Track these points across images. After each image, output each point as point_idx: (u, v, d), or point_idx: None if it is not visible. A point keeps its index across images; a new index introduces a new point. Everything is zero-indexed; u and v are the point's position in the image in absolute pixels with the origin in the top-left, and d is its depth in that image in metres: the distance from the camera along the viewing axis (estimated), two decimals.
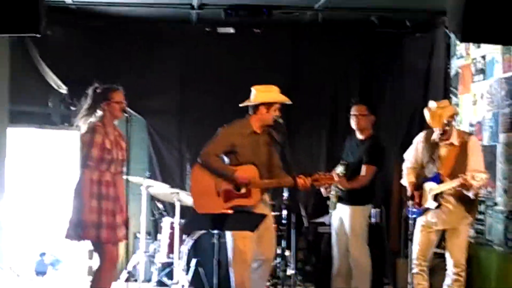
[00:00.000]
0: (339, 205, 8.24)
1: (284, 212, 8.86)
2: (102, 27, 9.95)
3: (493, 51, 8.25)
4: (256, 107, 7.27)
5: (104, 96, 6.91)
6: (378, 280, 8.76)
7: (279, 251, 8.94)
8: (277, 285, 8.84)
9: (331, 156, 10.04)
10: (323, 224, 9.07)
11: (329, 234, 8.63)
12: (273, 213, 8.82)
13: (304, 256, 9.64)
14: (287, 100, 7.38)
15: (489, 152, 8.25)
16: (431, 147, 7.41)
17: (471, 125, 8.81)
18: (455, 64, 9.38)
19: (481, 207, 8.45)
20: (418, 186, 7.38)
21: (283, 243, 8.97)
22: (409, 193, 7.39)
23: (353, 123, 8.32)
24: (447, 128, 7.24)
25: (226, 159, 7.23)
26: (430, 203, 7.28)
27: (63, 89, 9.76)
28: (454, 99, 9.33)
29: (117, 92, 6.97)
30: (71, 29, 9.86)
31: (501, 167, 8.00)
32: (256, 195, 7.09)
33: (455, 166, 7.23)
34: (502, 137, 8.01)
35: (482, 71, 8.57)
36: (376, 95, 10.31)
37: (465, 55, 9.06)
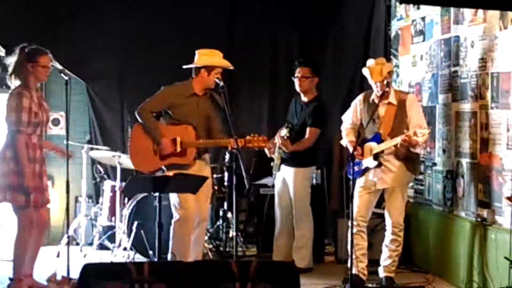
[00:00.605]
0: (282, 166, 8.25)
1: (226, 174, 8.89)
2: None
3: (432, 12, 8.30)
4: (198, 70, 7.40)
5: (30, 57, 6.86)
6: (319, 240, 8.83)
7: (221, 213, 8.99)
8: (219, 247, 8.89)
9: (273, 119, 10.08)
10: (265, 186, 9.10)
11: (272, 195, 8.67)
12: (215, 176, 8.89)
13: (246, 218, 9.67)
14: (229, 65, 7.50)
15: (428, 113, 8.34)
16: (370, 107, 7.46)
17: (411, 86, 8.89)
18: (395, 26, 9.43)
19: (421, 167, 8.55)
20: (359, 146, 7.42)
21: (225, 205, 9.01)
22: (350, 150, 7.42)
23: (296, 85, 8.30)
24: (386, 87, 7.28)
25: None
26: (370, 162, 7.33)
27: (2, 52, 9.59)
28: (394, 60, 9.40)
29: (44, 56, 6.94)
30: None
31: (440, 127, 8.10)
32: (191, 154, 7.31)
33: (395, 124, 7.29)
34: (441, 98, 8.10)
35: (421, 32, 8.63)
36: (317, 57, 10.30)
37: (405, 16, 9.12)
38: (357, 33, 10.14)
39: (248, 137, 7.23)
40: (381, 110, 7.37)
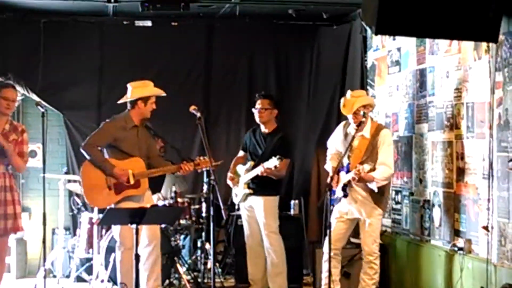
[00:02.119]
0: (250, 197, 8.32)
1: (204, 205, 8.89)
2: (16, 20, 9.77)
3: (407, 43, 8.37)
4: (134, 102, 7.60)
5: None
6: (298, 270, 8.84)
7: (199, 244, 8.96)
8: (197, 278, 8.84)
9: None
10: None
11: None
12: (192, 207, 8.90)
13: (224, 248, 9.66)
14: (162, 93, 7.71)
15: (405, 142, 8.39)
16: (346, 137, 7.53)
17: (387, 116, 8.94)
18: (371, 56, 9.49)
19: (398, 197, 8.59)
20: (336, 174, 7.50)
21: (203, 236, 8.99)
22: (329, 177, 7.47)
23: (256, 117, 8.41)
24: (360, 118, 7.33)
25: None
26: (338, 192, 7.44)
27: None
28: (370, 91, 9.45)
29: (7, 89, 7.11)
30: None
31: (416, 157, 8.14)
32: (144, 184, 7.53)
33: (365, 157, 7.35)
34: (417, 127, 8.14)
35: (397, 63, 8.69)
36: (293, 86, 10.37)
37: (381, 47, 9.18)
38: (334, 63, 10.20)
39: (197, 159, 7.54)
40: (355, 141, 7.43)
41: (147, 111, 7.60)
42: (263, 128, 8.46)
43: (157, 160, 7.78)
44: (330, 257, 7.12)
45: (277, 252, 8.34)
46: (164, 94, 7.71)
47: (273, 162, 7.89)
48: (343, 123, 7.73)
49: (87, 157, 7.50)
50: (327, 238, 7.48)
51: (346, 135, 7.58)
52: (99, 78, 10.09)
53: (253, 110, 8.44)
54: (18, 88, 9.08)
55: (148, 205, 7.03)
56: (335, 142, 7.78)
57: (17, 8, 9.56)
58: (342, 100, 7.53)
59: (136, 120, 7.61)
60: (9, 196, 6.89)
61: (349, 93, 7.57)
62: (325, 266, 7.57)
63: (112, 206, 7.43)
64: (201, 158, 7.56)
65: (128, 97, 7.62)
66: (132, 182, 7.43)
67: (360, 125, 7.33)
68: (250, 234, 8.50)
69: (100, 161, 7.46)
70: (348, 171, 7.37)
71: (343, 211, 7.53)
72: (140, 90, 7.61)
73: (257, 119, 8.42)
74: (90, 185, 7.49)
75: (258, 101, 8.41)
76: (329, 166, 7.77)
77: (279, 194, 8.49)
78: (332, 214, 7.46)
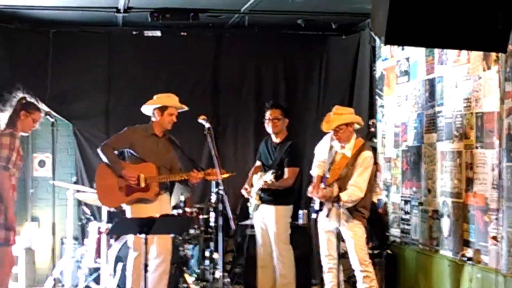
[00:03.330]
0: (262, 206, 8.31)
1: (212, 215, 8.87)
2: (26, 30, 9.80)
3: (416, 53, 8.37)
4: (153, 112, 7.88)
5: (26, 107, 7.12)
6: (305, 281, 8.82)
7: (207, 254, 8.95)
8: None
9: None
10: (251, 226, 9.07)
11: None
12: (201, 217, 8.89)
13: (232, 258, 9.64)
14: (182, 107, 7.90)
15: (414, 152, 8.39)
16: (331, 149, 7.57)
17: (396, 126, 8.93)
18: (380, 66, 9.49)
19: (407, 207, 8.58)
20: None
21: (211, 246, 8.98)
22: (311, 185, 7.56)
23: (268, 127, 8.43)
24: (341, 136, 7.39)
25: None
26: (317, 205, 7.49)
27: None
28: (379, 101, 9.45)
29: (39, 112, 7.27)
30: None
31: (425, 167, 8.12)
32: (154, 189, 7.69)
33: (342, 175, 7.37)
34: (426, 137, 8.14)
35: (406, 72, 8.69)
36: (301, 97, 10.37)
37: (390, 57, 9.18)
38: (343, 73, 10.21)
39: (208, 170, 7.75)
40: (338, 156, 7.49)
41: (165, 122, 7.81)
42: (274, 138, 8.48)
43: (177, 173, 7.92)
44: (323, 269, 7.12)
45: (286, 263, 8.34)
46: (185, 109, 7.91)
47: (268, 177, 7.91)
48: (330, 133, 7.68)
49: (102, 157, 7.76)
50: (322, 250, 7.54)
51: (331, 147, 7.58)
52: (108, 88, 10.11)
53: (263, 120, 8.43)
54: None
55: (160, 213, 7.09)
56: (322, 151, 7.75)
57: (27, 19, 9.60)
58: (326, 115, 7.53)
59: (158, 130, 7.85)
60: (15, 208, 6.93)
61: (335, 108, 7.57)
62: (326, 277, 7.59)
63: (124, 205, 7.75)
64: (213, 169, 7.69)
65: (144, 106, 7.91)
66: (142, 185, 7.64)
67: (339, 140, 7.41)
68: (263, 244, 8.50)
69: (112, 161, 7.71)
70: (325, 185, 7.39)
71: (324, 223, 7.54)
72: (157, 100, 7.86)
73: (270, 130, 8.42)
74: (102, 185, 7.79)
75: (269, 111, 8.43)
76: (314, 172, 7.76)
77: (291, 203, 8.46)
78: (319, 226, 7.60)
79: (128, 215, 7.73)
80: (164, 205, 7.81)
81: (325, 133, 8.14)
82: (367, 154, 7.42)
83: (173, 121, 7.81)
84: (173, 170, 7.87)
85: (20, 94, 7.16)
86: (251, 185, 8.51)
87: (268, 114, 8.45)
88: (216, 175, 7.67)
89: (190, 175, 7.70)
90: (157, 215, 6.95)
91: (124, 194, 7.69)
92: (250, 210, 8.52)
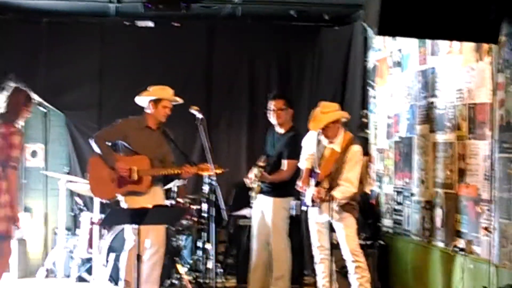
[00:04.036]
0: (261, 196, 8.26)
1: (205, 206, 8.87)
2: (18, 20, 9.78)
3: (408, 44, 8.37)
4: (148, 104, 7.84)
5: (28, 100, 7.15)
6: (298, 271, 8.83)
7: (199, 244, 8.96)
8: (197, 278, 8.84)
9: (252, 148, 10.09)
10: (244, 217, 9.10)
11: (250, 226, 8.66)
12: (193, 207, 8.88)
13: (225, 249, 9.65)
14: (176, 100, 7.85)
15: (406, 144, 8.40)
16: (319, 143, 7.57)
17: (389, 117, 8.94)
18: (373, 57, 9.50)
19: (399, 198, 8.60)
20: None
21: (204, 236, 8.98)
22: (301, 178, 7.59)
23: (272, 118, 8.34)
24: (330, 133, 7.40)
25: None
26: (308, 199, 7.48)
27: None
28: (372, 92, 9.46)
29: (33, 102, 7.27)
30: None
31: (418, 158, 8.14)
32: (146, 181, 7.67)
33: (333, 170, 7.38)
34: (418, 128, 8.14)
35: (398, 63, 8.70)
36: (294, 88, 10.36)
37: (382, 48, 9.19)
38: (335, 64, 10.21)
39: (200, 164, 7.71)
40: (327, 151, 7.48)
41: (160, 114, 7.78)
42: (278, 129, 8.38)
43: (170, 166, 7.87)
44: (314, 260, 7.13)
45: (282, 256, 8.28)
46: (180, 101, 7.87)
47: (253, 171, 7.89)
48: None
49: (94, 148, 7.73)
50: (313, 241, 7.55)
51: (319, 142, 7.57)
52: (101, 79, 10.09)
53: (267, 111, 8.36)
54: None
55: (150, 205, 7.04)
56: (310, 144, 7.72)
57: (19, 9, 9.57)
58: (312, 113, 7.53)
59: (151, 122, 7.83)
60: (8, 198, 6.90)
61: (320, 106, 7.54)
62: (318, 268, 7.62)
63: (118, 196, 7.72)
64: (206, 164, 7.67)
65: (138, 98, 7.87)
66: (135, 178, 7.63)
67: (327, 137, 7.42)
68: (258, 235, 8.41)
69: (105, 153, 7.70)
70: (316, 180, 7.41)
71: (315, 214, 7.56)
72: (151, 92, 7.85)
73: (273, 121, 8.32)
74: (95, 177, 7.77)
75: (273, 102, 8.30)
76: (303, 165, 7.74)
77: (290, 195, 8.35)
78: (309, 217, 7.63)
79: (123, 205, 7.72)
80: (157, 197, 7.77)
81: None
82: (356, 148, 7.42)
83: (167, 113, 7.79)
84: (165, 163, 7.82)
85: (12, 85, 7.14)
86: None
87: (271, 104, 8.34)
88: (209, 170, 7.66)
89: (183, 170, 7.67)
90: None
91: (116, 186, 7.67)
92: (252, 199, 8.45)
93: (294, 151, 8.12)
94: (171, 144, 7.98)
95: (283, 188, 8.22)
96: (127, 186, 7.66)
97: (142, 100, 7.86)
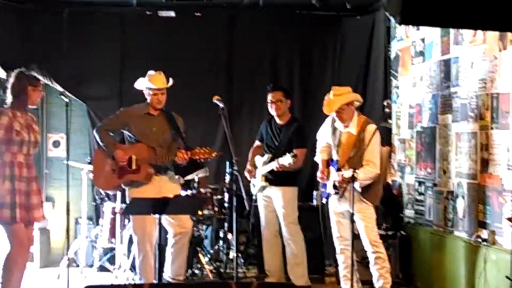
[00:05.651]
0: (268, 188, 8.34)
1: (226, 196, 8.88)
2: (40, 11, 9.81)
3: (431, 34, 8.32)
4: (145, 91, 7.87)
5: (32, 81, 7.02)
6: (319, 261, 8.83)
7: (221, 235, 8.97)
8: (219, 268, 8.85)
9: None
10: None
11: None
12: (215, 197, 8.89)
13: (246, 239, 9.64)
14: (160, 84, 7.75)
15: (428, 133, 8.36)
16: (335, 132, 7.56)
17: (411, 106, 8.90)
18: (395, 47, 9.46)
19: (421, 188, 8.56)
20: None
21: (226, 227, 9.00)
22: (319, 170, 7.59)
23: (271, 110, 8.41)
24: (344, 116, 7.39)
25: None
26: (329, 188, 7.49)
27: (2, 74, 9.61)
28: (394, 81, 9.42)
29: (40, 83, 7.13)
30: (9, 14, 9.70)
31: (440, 148, 8.09)
32: (145, 171, 7.61)
33: (351, 154, 7.36)
34: (441, 118, 8.10)
35: (421, 53, 8.65)
36: (316, 78, 10.33)
37: (405, 37, 9.14)
38: (357, 54, 10.17)
39: (195, 149, 7.55)
40: (343, 137, 7.48)
41: (152, 101, 7.77)
42: (277, 120, 8.45)
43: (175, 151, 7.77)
44: (336, 251, 7.12)
45: (297, 243, 8.34)
46: (165, 86, 7.76)
47: (287, 160, 7.88)
48: (331, 116, 7.65)
49: (97, 139, 7.79)
50: (333, 232, 7.55)
51: (334, 129, 7.58)
52: (122, 68, 10.10)
53: (268, 103, 8.40)
54: (42, 78, 9.14)
55: (160, 195, 7.05)
56: (324, 135, 7.76)
57: None
58: (326, 98, 7.51)
59: (151, 109, 7.80)
60: (34, 186, 6.90)
61: (333, 90, 7.54)
62: (339, 258, 7.65)
63: (123, 188, 7.76)
64: (202, 148, 7.55)
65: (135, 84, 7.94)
66: (134, 167, 7.61)
67: (341, 121, 7.42)
68: (267, 224, 8.53)
69: (106, 143, 7.71)
70: (336, 167, 7.40)
71: (335, 205, 7.56)
72: (141, 81, 7.85)
73: (273, 112, 8.40)
74: (97, 167, 7.80)
75: (271, 94, 8.40)
76: (319, 158, 7.78)
77: (297, 184, 8.46)
78: (330, 208, 7.62)
79: (127, 198, 7.74)
80: (165, 187, 7.68)
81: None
82: (372, 127, 7.38)
83: (159, 100, 7.73)
84: (171, 150, 7.71)
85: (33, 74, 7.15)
86: (254, 166, 8.50)
87: (269, 96, 8.40)
88: (204, 154, 7.51)
89: (177, 156, 7.54)
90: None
91: (117, 176, 7.67)
92: (254, 191, 8.51)
93: (302, 140, 8.31)
94: (173, 130, 7.85)
95: (290, 178, 8.29)
96: (126, 176, 7.64)
97: (138, 86, 7.90)
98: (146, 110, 7.80)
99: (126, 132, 7.82)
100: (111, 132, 7.84)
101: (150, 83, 7.74)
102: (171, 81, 7.80)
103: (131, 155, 7.61)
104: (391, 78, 9.53)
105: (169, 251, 7.71)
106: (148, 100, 7.79)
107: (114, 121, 7.86)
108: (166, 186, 7.69)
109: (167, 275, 7.69)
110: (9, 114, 6.80)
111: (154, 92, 7.72)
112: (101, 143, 7.73)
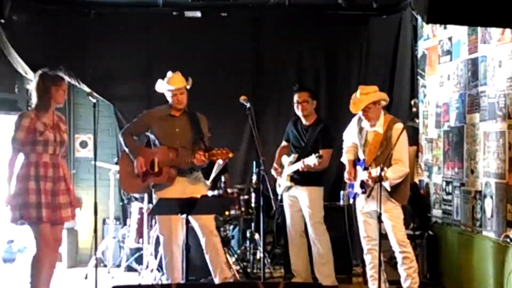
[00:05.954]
0: (294, 188, 8.36)
1: (253, 196, 8.89)
2: (68, 12, 9.86)
3: (459, 32, 8.27)
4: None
5: (55, 81, 7.01)
6: (346, 261, 8.81)
7: (248, 235, 8.97)
8: (246, 268, 8.86)
9: None
10: None
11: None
12: (242, 197, 8.90)
13: (273, 239, 9.64)
14: (177, 84, 7.72)
15: (456, 133, 8.31)
16: (361, 131, 7.54)
17: (438, 106, 8.86)
18: (422, 46, 9.41)
19: (449, 188, 8.52)
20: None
21: (252, 227, 9.00)
22: (346, 171, 7.59)
23: (297, 110, 8.42)
24: (370, 114, 7.36)
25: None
26: (357, 187, 7.48)
27: (30, 75, 9.67)
28: (421, 81, 9.38)
29: (64, 81, 7.12)
30: (37, 15, 9.76)
31: (468, 147, 8.05)
32: (167, 173, 7.60)
33: (379, 153, 7.33)
34: (468, 117, 8.05)
35: (448, 52, 8.60)
36: (342, 78, 10.32)
37: (432, 36, 9.09)
38: (384, 53, 10.15)
39: (213, 150, 7.48)
40: (370, 136, 7.46)
41: (173, 102, 7.74)
42: (304, 121, 8.46)
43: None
44: (364, 251, 7.10)
45: (323, 242, 8.34)
46: (180, 86, 7.72)
47: (312, 160, 7.88)
48: (357, 116, 7.64)
49: (122, 143, 7.82)
50: (360, 232, 7.54)
51: (360, 129, 7.57)
52: (149, 69, 10.12)
53: (294, 103, 8.40)
54: (69, 79, 9.19)
55: (184, 196, 7.06)
56: (350, 135, 7.75)
57: (68, 0, 9.64)
58: (352, 97, 7.50)
59: (173, 110, 7.78)
60: (62, 186, 6.93)
61: (360, 88, 7.53)
62: (366, 258, 7.63)
63: (152, 191, 7.76)
64: (219, 149, 7.46)
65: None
66: (156, 170, 7.61)
67: (368, 120, 7.38)
68: (292, 224, 8.53)
69: (130, 148, 7.72)
70: (363, 167, 7.38)
71: (362, 205, 7.53)
72: (160, 83, 7.85)
73: (299, 113, 8.41)
74: (123, 171, 7.81)
75: (297, 95, 8.41)
76: (345, 159, 7.78)
77: (322, 184, 8.46)
78: (357, 208, 7.60)
79: (154, 199, 7.76)
80: (189, 188, 7.64)
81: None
82: (399, 126, 7.34)
83: (178, 100, 7.70)
84: (194, 150, 7.63)
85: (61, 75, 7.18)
86: (280, 165, 8.50)
87: (296, 97, 8.42)
88: (222, 155, 7.44)
89: (195, 158, 7.48)
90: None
91: (141, 179, 7.68)
92: (279, 190, 8.51)
93: (329, 141, 8.31)
94: (203, 129, 7.78)
95: (315, 178, 8.30)
96: (149, 179, 7.66)
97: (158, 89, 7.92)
98: (168, 112, 7.78)
99: (151, 136, 7.80)
100: (136, 136, 7.88)
101: (168, 85, 7.73)
102: (190, 80, 7.79)
103: (154, 158, 7.62)
104: (418, 77, 9.49)
105: (206, 257, 7.70)
106: (170, 102, 7.77)
107: (137, 124, 7.86)
108: (190, 187, 7.67)
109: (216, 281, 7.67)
110: (31, 116, 6.83)
111: (173, 92, 7.70)
112: (126, 148, 7.74)
